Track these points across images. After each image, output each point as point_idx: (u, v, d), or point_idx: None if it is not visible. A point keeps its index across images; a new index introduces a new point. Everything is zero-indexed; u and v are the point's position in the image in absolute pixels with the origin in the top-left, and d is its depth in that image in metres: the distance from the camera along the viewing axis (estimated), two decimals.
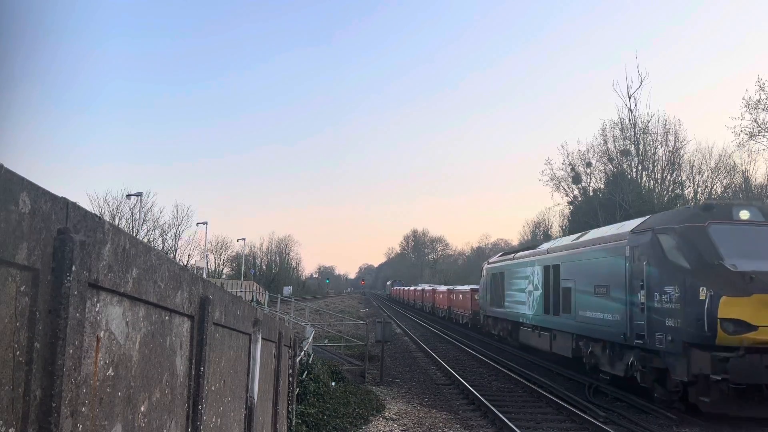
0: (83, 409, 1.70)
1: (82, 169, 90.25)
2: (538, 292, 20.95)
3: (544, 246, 22.80)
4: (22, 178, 1.38)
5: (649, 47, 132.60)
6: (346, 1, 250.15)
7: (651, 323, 13.28)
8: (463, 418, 13.38)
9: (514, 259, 25.30)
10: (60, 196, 1.55)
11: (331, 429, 11.53)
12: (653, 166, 45.24)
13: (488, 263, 30.91)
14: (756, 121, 35.22)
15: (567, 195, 50.32)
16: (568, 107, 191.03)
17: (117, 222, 54.11)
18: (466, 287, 41.57)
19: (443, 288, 53.67)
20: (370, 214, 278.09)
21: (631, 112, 44.86)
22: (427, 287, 66.26)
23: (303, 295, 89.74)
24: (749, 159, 41.72)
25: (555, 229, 64.08)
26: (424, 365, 22.20)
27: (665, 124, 44.64)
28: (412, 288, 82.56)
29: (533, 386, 16.71)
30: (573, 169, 48.97)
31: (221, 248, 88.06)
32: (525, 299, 22.67)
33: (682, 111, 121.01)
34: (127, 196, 49.29)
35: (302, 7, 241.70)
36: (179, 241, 69.29)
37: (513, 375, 18.87)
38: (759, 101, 34.52)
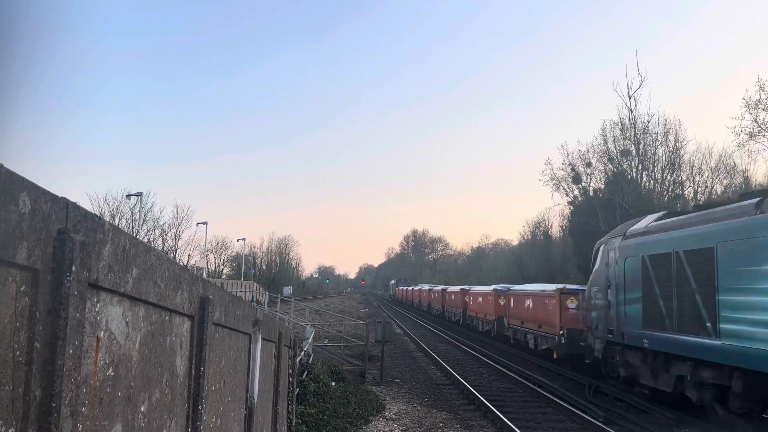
0: (83, 409, 1.70)
1: (82, 169, 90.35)
2: None
3: None
4: (22, 178, 1.38)
5: (649, 47, 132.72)
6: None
7: None
8: (463, 418, 13.38)
9: None
10: (60, 196, 1.55)
11: (331, 429, 11.53)
12: (653, 166, 45.26)
13: (626, 236, 15.48)
14: (756, 121, 35.22)
15: (567, 195, 50.35)
16: (568, 107, 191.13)
17: (117, 222, 54.12)
18: (549, 288, 24.08)
19: (485, 289, 35.89)
20: (370, 214, 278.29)
21: (632, 112, 44.91)
22: (454, 288, 48.24)
23: (303, 295, 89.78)
24: (749, 159, 41.77)
25: (555, 229, 64.13)
26: (424, 365, 22.20)
27: (665, 124, 44.71)
28: (427, 289, 63.43)
29: (533, 386, 16.71)
30: (573, 169, 49.03)
31: (221, 248, 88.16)
32: None
33: (682, 111, 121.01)
34: (127, 196, 49.35)
35: (302, 4, 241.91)
36: (179, 241, 69.35)
37: (513, 375, 18.87)
38: (759, 101, 34.51)
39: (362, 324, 25.98)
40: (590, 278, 17.82)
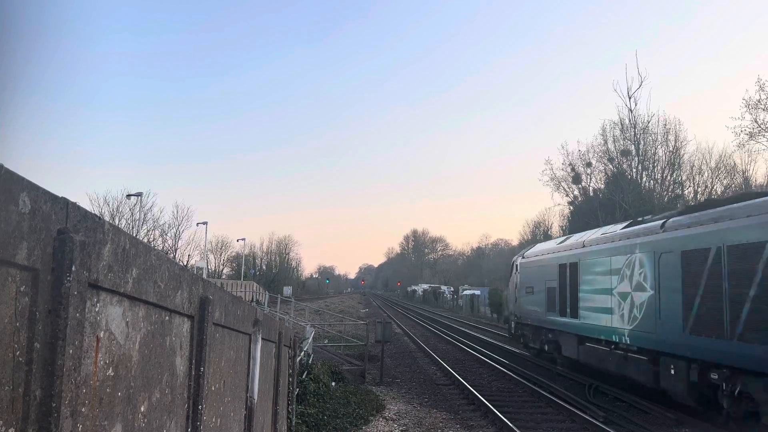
0: (83, 409, 1.70)
1: (82, 169, 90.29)
2: None
3: None
4: (22, 178, 1.38)
5: (649, 47, 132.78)
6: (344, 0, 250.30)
7: None
8: (463, 418, 13.38)
9: None
10: (60, 196, 1.55)
11: (331, 429, 11.52)
12: (653, 166, 45.24)
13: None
14: (756, 121, 35.20)
15: (567, 195, 50.37)
16: (568, 107, 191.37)
17: (117, 222, 54.09)
18: None
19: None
20: (370, 214, 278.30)
21: (631, 112, 44.91)
22: None
23: (303, 295, 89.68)
24: (749, 159, 41.67)
25: (555, 229, 64.11)
26: (424, 365, 22.19)
27: (665, 124, 44.69)
28: None
29: (533, 386, 16.70)
30: (573, 169, 49.02)
31: (221, 248, 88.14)
32: None
33: (682, 111, 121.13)
34: (127, 196, 49.37)
35: (301, 4, 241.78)
36: (179, 241, 69.34)
37: (513, 375, 18.86)
38: (759, 101, 34.50)
39: (362, 324, 25.96)
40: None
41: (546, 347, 20.51)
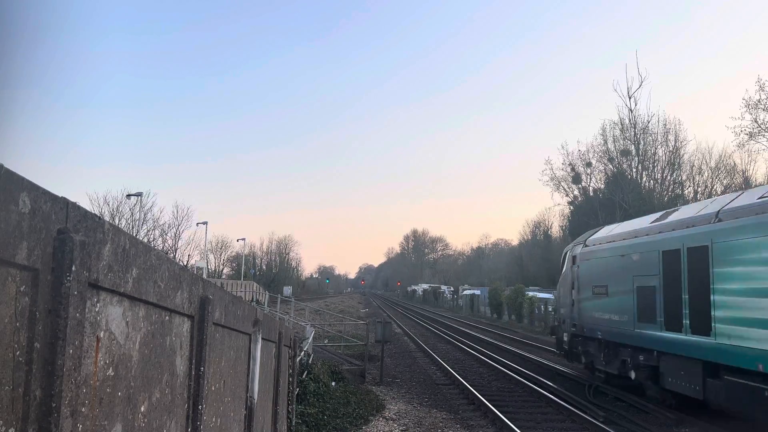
0: (83, 409, 1.70)
1: (82, 169, 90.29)
2: None
3: None
4: (22, 178, 1.37)
5: (649, 47, 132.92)
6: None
7: None
8: (463, 418, 13.38)
9: None
10: (60, 196, 1.55)
11: (331, 429, 11.53)
12: (653, 166, 45.31)
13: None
14: (756, 121, 35.27)
15: (567, 195, 50.46)
16: (568, 107, 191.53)
17: (117, 222, 54.06)
18: None
19: None
20: (370, 214, 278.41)
21: (632, 112, 44.98)
22: None
23: (303, 295, 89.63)
24: (749, 159, 41.78)
25: (555, 229, 64.17)
26: (424, 365, 22.19)
27: (665, 124, 44.80)
28: None
29: (533, 386, 16.70)
30: (573, 169, 49.09)
31: (221, 248, 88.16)
32: None
33: (682, 111, 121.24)
34: (127, 196, 49.39)
35: (300, 4, 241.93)
36: (179, 241, 69.30)
37: (513, 375, 18.86)
38: (759, 101, 34.58)
39: (362, 324, 25.98)
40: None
41: (632, 374, 14.44)
